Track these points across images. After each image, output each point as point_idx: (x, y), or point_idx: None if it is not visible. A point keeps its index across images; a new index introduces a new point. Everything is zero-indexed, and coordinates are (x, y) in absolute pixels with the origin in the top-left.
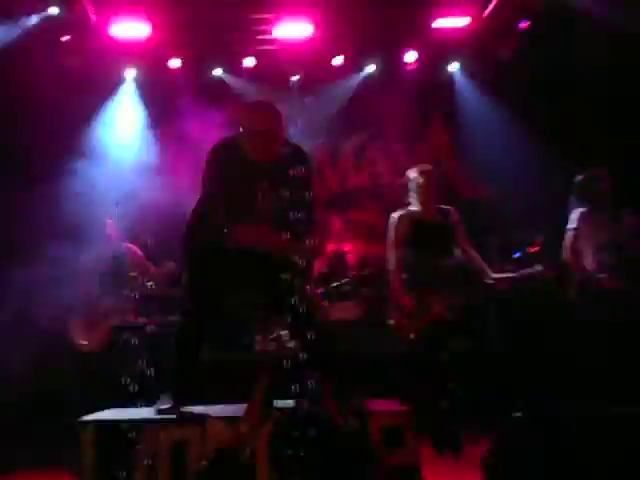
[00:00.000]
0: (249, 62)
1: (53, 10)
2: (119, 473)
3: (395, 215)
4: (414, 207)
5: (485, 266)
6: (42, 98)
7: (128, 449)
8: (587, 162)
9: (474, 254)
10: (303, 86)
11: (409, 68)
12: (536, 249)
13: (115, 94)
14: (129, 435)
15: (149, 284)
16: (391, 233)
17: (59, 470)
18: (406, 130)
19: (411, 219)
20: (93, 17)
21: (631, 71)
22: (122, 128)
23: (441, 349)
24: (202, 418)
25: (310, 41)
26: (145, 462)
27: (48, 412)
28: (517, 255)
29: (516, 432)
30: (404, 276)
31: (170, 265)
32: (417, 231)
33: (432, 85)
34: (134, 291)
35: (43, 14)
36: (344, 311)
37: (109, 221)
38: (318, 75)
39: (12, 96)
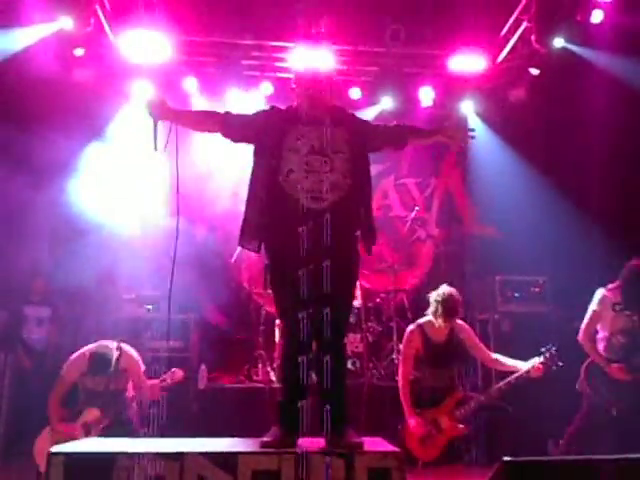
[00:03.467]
0: (266, 89)
1: (66, 22)
2: None
3: (409, 329)
4: (429, 321)
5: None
6: (47, 110)
7: None
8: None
9: (490, 358)
10: None
11: (424, 105)
12: (538, 289)
13: (125, 111)
14: (101, 469)
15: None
16: (403, 348)
17: None
18: (419, 165)
19: (423, 335)
20: (109, 33)
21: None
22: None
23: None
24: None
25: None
26: None
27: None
28: (518, 295)
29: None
30: (411, 397)
31: (176, 374)
32: (426, 349)
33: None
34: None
35: (55, 25)
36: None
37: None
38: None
39: (18, 106)
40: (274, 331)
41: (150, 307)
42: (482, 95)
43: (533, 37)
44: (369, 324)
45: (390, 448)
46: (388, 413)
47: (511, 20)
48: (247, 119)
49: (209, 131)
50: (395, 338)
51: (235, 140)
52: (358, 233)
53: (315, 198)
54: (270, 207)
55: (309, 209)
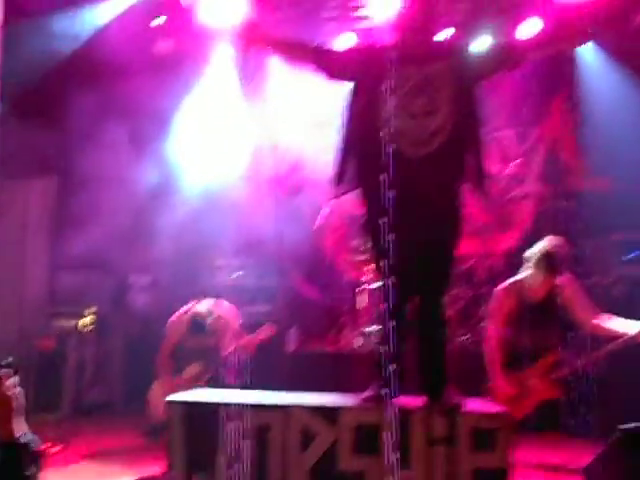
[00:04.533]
0: (348, 40)
1: None
2: (205, 453)
3: (502, 286)
4: (525, 278)
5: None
6: (132, 82)
7: (214, 430)
8: None
9: (591, 321)
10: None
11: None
12: None
13: (206, 78)
14: (215, 416)
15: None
16: (494, 306)
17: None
18: (520, 113)
19: (517, 292)
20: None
21: None
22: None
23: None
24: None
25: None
26: (229, 444)
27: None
28: (634, 254)
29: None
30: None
31: (268, 330)
32: (520, 308)
33: (552, 61)
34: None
35: None
36: None
37: None
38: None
39: (102, 80)
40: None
41: (239, 274)
42: (600, 21)
43: None
44: (459, 290)
45: (497, 409)
46: (477, 381)
47: None
48: (345, 55)
49: (302, 63)
50: (486, 304)
51: (330, 75)
52: (464, 182)
53: (416, 144)
54: (366, 155)
55: (409, 157)
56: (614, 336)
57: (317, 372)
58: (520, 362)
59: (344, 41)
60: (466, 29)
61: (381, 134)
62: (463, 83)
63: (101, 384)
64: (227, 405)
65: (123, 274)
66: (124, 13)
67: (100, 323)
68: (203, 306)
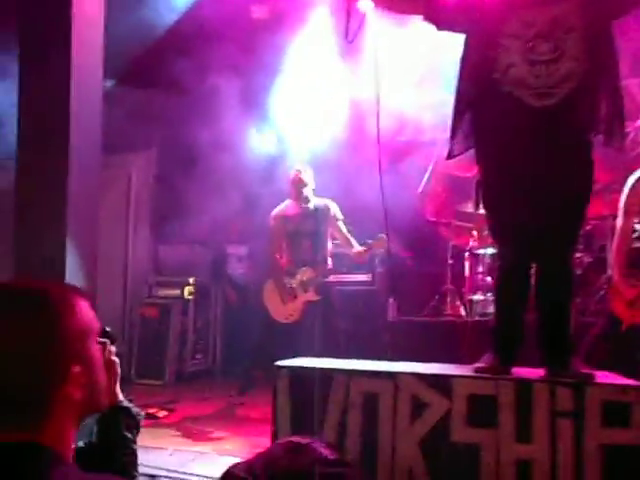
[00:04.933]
0: None
1: None
2: (311, 421)
3: (633, 177)
4: None
5: None
6: (232, 49)
7: (321, 398)
8: None
9: None
10: None
11: None
12: None
13: (304, 40)
14: (323, 383)
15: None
16: (623, 198)
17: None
18: None
19: None
20: None
21: None
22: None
23: None
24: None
25: None
26: (337, 411)
27: None
28: None
29: None
30: (626, 255)
31: (380, 241)
32: None
33: None
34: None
35: None
36: None
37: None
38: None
39: (203, 50)
40: (463, 265)
41: (337, 242)
42: None
43: None
44: (577, 254)
45: (630, 381)
46: (596, 351)
47: None
48: (457, 1)
49: (410, 12)
50: (608, 270)
51: (440, 25)
52: (595, 135)
53: (542, 94)
54: (483, 110)
55: (534, 108)
56: None
57: (419, 341)
58: None
59: None
60: None
61: (501, 86)
62: (594, 23)
63: (201, 352)
64: (335, 371)
65: (221, 245)
66: None
67: (200, 293)
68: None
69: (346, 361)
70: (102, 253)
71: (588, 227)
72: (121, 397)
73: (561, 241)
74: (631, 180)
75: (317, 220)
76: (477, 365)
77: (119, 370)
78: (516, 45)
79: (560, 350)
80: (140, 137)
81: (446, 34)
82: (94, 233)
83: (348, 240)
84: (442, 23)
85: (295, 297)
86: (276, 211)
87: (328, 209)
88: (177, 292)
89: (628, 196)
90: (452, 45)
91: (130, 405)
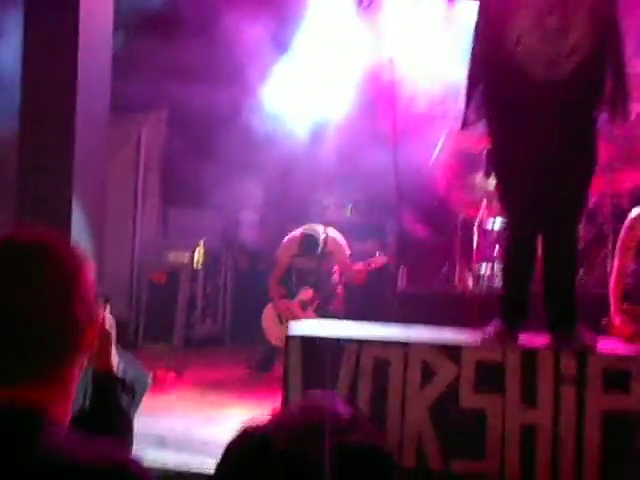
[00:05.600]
0: None
1: None
2: (322, 387)
3: (634, 213)
4: None
5: None
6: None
7: (332, 364)
8: None
9: None
10: None
11: None
12: None
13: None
14: (333, 350)
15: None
16: (623, 236)
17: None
18: None
19: None
20: None
21: None
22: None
23: None
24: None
25: None
26: (348, 378)
27: None
28: None
29: None
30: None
31: (379, 260)
32: None
33: None
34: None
35: None
36: None
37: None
38: None
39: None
40: (472, 236)
41: (349, 207)
42: None
43: None
44: (580, 229)
45: (631, 351)
46: (599, 324)
47: None
48: None
49: None
50: (610, 245)
51: None
52: (602, 109)
53: (551, 65)
54: (494, 79)
55: (542, 80)
56: None
57: (428, 311)
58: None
59: None
60: None
61: (510, 55)
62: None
63: (211, 318)
64: (345, 339)
65: (233, 211)
66: None
67: (210, 259)
68: (315, 228)
69: (358, 326)
70: (110, 214)
71: (591, 203)
72: (115, 365)
73: (568, 212)
74: (628, 219)
75: (321, 259)
76: (485, 331)
77: (114, 337)
78: (527, 14)
79: (565, 317)
80: (152, 96)
81: (460, 3)
82: (102, 192)
83: (348, 267)
84: None
85: (293, 317)
86: (284, 244)
87: (334, 248)
88: (187, 257)
89: (625, 234)
90: (465, 16)
91: (127, 370)
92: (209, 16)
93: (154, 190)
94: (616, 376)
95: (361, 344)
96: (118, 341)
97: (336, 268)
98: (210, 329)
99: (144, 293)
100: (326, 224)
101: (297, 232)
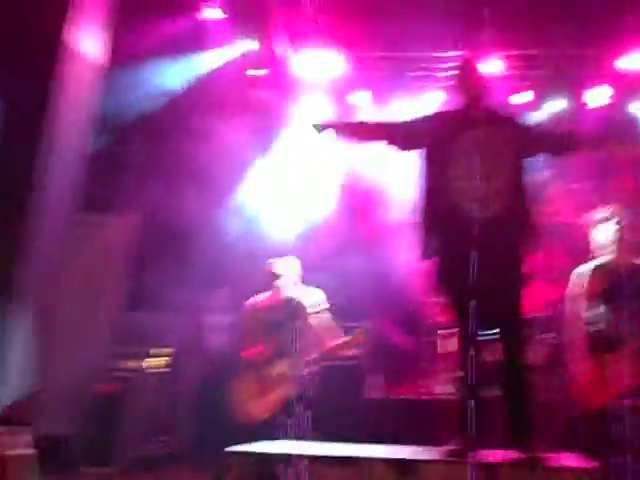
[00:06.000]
0: (436, 98)
1: (252, 44)
2: None
3: (583, 267)
4: (604, 259)
5: None
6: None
7: None
8: None
9: None
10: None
11: (594, 106)
12: None
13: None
14: (277, 469)
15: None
16: (575, 287)
17: None
18: (593, 166)
19: (600, 273)
20: (285, 51)
21: None
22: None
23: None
24: None
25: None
26: None
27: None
28: None
29: None
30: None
31: (358, 336)
32: (606, 289)
33: (618, 122)
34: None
35: (240, 47)
36: None
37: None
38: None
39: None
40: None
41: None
42: None
43: None
44: (544, 335)
45: (590, 464)
46: (564, 430)
47: None
48: (413, 127)
49: (374, 141)
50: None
51: (401, 148)
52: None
53: (482, 206)
54: (440, 216)
55: (477, 218)
56: None
57: (399, 420)
58: (604, 347)
59: (431, 99)
60: (542, 93)
61: (451, 198)
62: (519, 150)
63: (166, 433)
64: (295, 458)
65: (197, 315)
66: (224, 65)
67: (172, 365)
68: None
69: (309, 444)
70: (61, 317)
71: (552, 310)
72: None
73: (507, 326)
74: (580, 270)
75: (291, 312)
76: (446, 448)
77: None
78: (462, 161)
79: (521, 429)
80: (124, 199)
81: None
82: (51, 296)
83: (324, 333)
84: (402, 148)
85: (269, 392)
86: (248, 303)
87: (307, 307)
88: (145, 364)
89: (578, 283)
90: None
91: None
92: (189, 122)
93: (113, 293)
94: None
95: (311, 464)
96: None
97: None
98: (166, 446)
99: (89, 406)
100: None
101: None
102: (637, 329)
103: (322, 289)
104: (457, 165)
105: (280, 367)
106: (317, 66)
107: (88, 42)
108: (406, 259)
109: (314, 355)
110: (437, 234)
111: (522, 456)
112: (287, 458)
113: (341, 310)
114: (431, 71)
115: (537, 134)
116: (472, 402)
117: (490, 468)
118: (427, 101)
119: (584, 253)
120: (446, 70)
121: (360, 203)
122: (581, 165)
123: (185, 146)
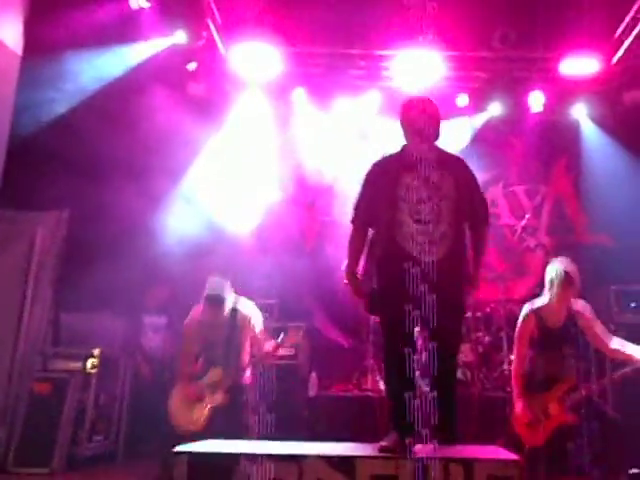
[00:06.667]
0: (374, 98)
1: (180, 37)
2: None
3: (524, 311)
4: (545, 301)
5: (624, 353)
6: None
7: None
8: None
9: (608, 347)
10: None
11: (534, 110)
12: None
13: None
14: (223, 469)
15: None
16: (517, 329)
17: None
18: (529, 171)
19: (539, 318)
20: (220, 47)
21: None
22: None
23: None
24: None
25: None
26: None
27: None
28: (634, 305)
29: None
30: (523, 379)
31: (291, 336)
32: (541, 333)
33: (556, 128)
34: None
35: (169, 40)
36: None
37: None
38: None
39: (135, 117)
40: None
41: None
42: (595, 98)
43: None
44: (478, 334)
45: (511, 456)
46: (499, 423)
47: (627, 19)
48: (367, 195)
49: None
50: (505, 348)
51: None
52: (465, 283)
53: (425, 251)
54: (385, 260)
55: (421, 262)
56: (631, 360)
57: (340, 416)
58: (539, 387)
59: (369, 98)
60: (479, 96)
61: (396, 241)
62: (462, 194)
63: (102, 433)
64: (237, 457)
65: (135, 315)
66: (157, 55)
67: (107, 366)
68: (219, 285)
69: (251, 443)
70: None
71: (487, 310)
72: None
73: (444, 365)
74: (523, 312)
75: (231, 328)
76: (380, 444)
77: None
78: (406, 206)
79: (446, 428)
80: (51, 195)
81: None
82: None
83: (261, 339)
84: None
85: (202, 400)
86: (189, 317)
87: (245, 319)
88: (77, 365)
89: (519, 329)
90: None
91: None
92: (122, 115)
93: (46, 292)
94: None
95: (253, 461)
96: None
97: (247, 345)
98: (100, 446)
99: (22, 407)
100: None
101: (203, 307)
102: (569, 368)
103: (262, 287)
104: (402, 210)
105: (214, 375)
106: (253, 61)
107: (6, 31)
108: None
109: (252, 360)
110: (381, 275)
111: (449, 449)
112: (228, 456)
113: (280, 308)
114: (372, 69)
115: (471, 195)
116: (404, 398)
117: (420, 462)
118: (367, 100)
119: (518, 256)
120: (387, 69)
121: (305, 199)
122: (520, 169)
123: (113, 140)
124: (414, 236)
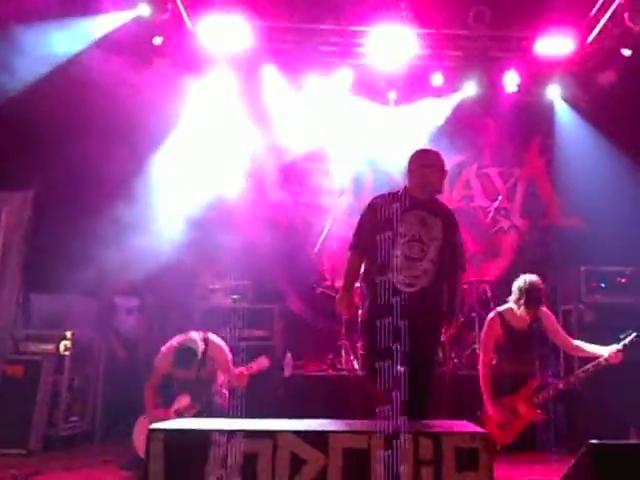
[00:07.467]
0: (346, 75)
1: (144, 10)
2: None
3: (490, 316)
4: (510, 308)
5: (585, 351)
6: (130, 98)
7: (198, 461)
8: None
9: (571, 345)
10: (399, 102)
11: (508, 90)
12: (624, 280)
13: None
14: (199, 446)
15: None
16: (483, 332)
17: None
18: (502, 154)
19: (504, 320)
20: (187, 20)
21: None
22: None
23: None
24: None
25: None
26: (215, 474)
27: None
28: (604, 285)
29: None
30: (491, 383)
31: (262, 362)
32: (507, 337)
33: (531, 109)
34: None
35: (133, 12)
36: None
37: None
38: (415, 92)
39: (98, 94)
40: (357, 321)
41: (236, 297)
42: (570, 79)
43: (626, 15)
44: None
45: (478, 429)
46: (469, 401)
47: None
48: (369, 225)
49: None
50: (477, 328)
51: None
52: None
53: (408, 284)
54: (373, 287)
55: (403, 292)
56: (592, 357)
57: (314, 395)
58: (506, 389)
59: (341, 75)
60: (454, 75)
61: (387, 272)
62: (447, 239)
63: (78, 414)
64: (211, 433)
65: (108, 295)
66: (120, 29)
67: (80, 348)
68: (193, 338)
69: (224, 421)
70: None
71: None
72: None
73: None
74: (487, 320)
75: (201, 365)
76: (352, 421)
77: None
78: (400, 242)
79: (421, 402)
80: (16, 176)
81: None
82: None
83: (230, 372)
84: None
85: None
86: (163, 350)
87: (214, 354)
88: (50, 347)
89: (485, 334)
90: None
91: None
92: (85, 93)
93: (14, 273)
94: (466, 453)
95: (228, 438)
96: None
97: (219, 373)
98: (76, 427)
99: None
100: (212, 309)
101: (174, 342)
102: (534, 369)
103: (235, 268)
104: (396, 245)
105: (181, 402)
106: (221, 36)
107: None
108: (317, 240)
109: (220, 384)
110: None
111: (419, 424)
112: (203, 433)
113: (254, 289)
114: (344, 46)
115: (454, 244)
116: (378, 376)
117: (392, 437)
118: (336, 78)
119: (491, 237)
120: (356, 46)
121: (273, 182)
122: (494, 151)
123: (80, 120)
124: (402, 270)
